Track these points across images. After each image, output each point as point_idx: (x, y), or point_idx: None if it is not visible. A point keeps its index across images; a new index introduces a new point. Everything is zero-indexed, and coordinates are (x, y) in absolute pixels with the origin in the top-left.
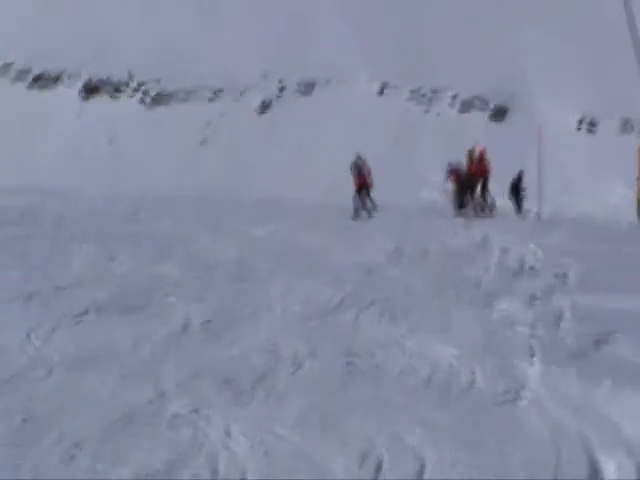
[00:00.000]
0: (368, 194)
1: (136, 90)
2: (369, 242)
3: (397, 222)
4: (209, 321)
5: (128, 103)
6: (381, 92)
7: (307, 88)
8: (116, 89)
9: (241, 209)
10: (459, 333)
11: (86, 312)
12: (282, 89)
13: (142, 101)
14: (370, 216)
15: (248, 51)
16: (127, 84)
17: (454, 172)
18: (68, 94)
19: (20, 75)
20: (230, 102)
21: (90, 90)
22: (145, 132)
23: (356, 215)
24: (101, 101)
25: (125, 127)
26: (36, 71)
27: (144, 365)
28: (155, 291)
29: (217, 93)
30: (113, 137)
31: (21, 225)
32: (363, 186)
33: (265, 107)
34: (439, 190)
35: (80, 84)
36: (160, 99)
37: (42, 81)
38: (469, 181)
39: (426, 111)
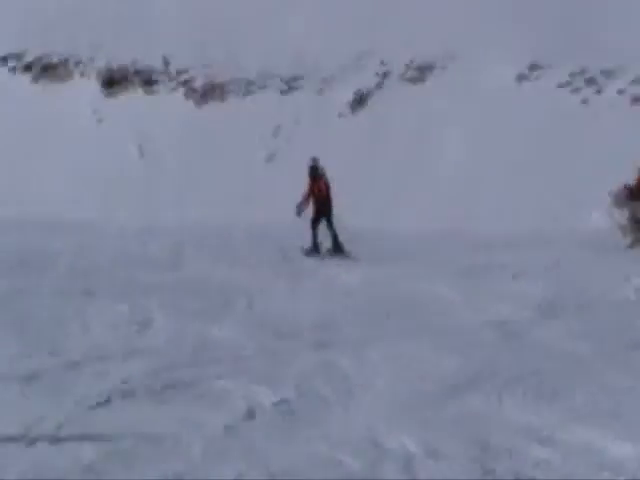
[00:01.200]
0: (329, 219)
1: (172, 80)
2: (506, 291)
3: (544, 261)
4: (282, 405)
5: (165, 100)
6: (521, 78)
7: (419, 74)
8: (146, 81)
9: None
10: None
11: (108, 399)
12: (384, 75)
13: (187, 96)
14: (335, 253)
15: (333, 26)
16: (165, 73)
17: (629, 190)
18: (83, 88)
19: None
20: (309, 96)
21: (111, 82)
22: (189, 140)
23: (313, 251)
24: (127, 97)
25: (162, 133)
26: (29, 58)
27: (192, 471)
28: (204, 366)
29: (290, 83)
30: (145, 147)
31: (19, 275)
32: (323, 208)
33: (360, 101)
34: (605, 214)
35: (96, 74)
36: (209, 94)
37: (49, 72)
38: None
39: (584, 102)
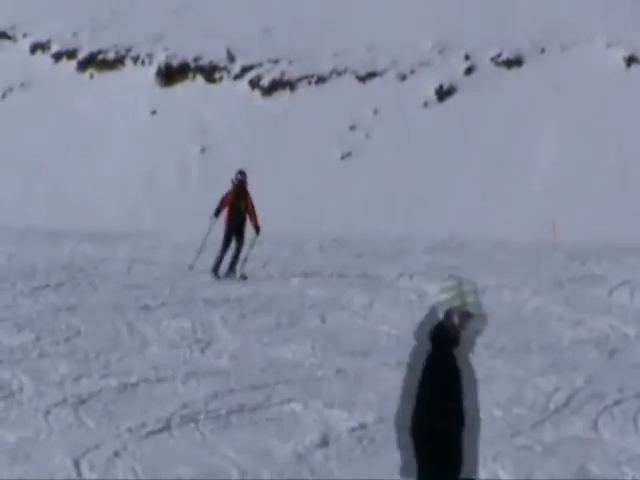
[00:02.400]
0: (241, 236)
1: (239, 77)
2: (606, 305)
3: None
4: (360, 431)
5: (230, 90)
6: (630, 62)
7: (508, 63)
8: (208, 75)
9: (407, 256)
10: None
11: (167, 425)
12: (471, 68)
13: (254, 87)
14: (230, 274)
15: (411, 14)
16: (225, 68)
17: None
18: (137, 80)
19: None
20: (388, 89)
21: (169, 74)
22: (257, 136)
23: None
24: (188, 88)
25: (225, 128)
26: (77, 48)
27: None
28: (273, 387)
29: (364, 79)
30: (207, 144)
31: (68, 290)
32: (238, 222)
33: (444, 94)
34: None
35: (154, 66)
36: (278, 86)
37: (95, 63)
38: None
39: None
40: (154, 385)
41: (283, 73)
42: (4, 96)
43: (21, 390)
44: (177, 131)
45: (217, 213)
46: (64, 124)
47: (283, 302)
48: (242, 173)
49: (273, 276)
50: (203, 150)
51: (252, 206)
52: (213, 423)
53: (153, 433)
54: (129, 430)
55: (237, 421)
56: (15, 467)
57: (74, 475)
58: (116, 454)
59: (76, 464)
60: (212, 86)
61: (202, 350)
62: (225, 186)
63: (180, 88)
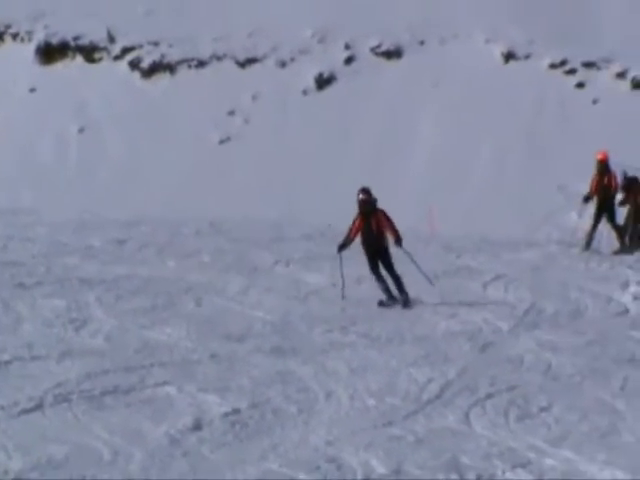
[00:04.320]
0: (386, 256)
1: (119, 58)
2: (480, 298)
3: (522, 265)
4: (233, 416)
5: (110, 71)
6: (508, 57)
7: (388, 54)
8: (88, 54)
9: (285, 242)
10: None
11: (40, 404)
12: (351, 57)
13: (134, 69)
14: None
15: (292, 1)
16: (106, 49)
17: (631, 187)
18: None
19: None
20: (267, 75)
21: (48, 52)
22: (136, 117)
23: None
24: (67, 67)
25: (105, 108)
26: None
27: (138, 475)
28: (148, 369)
29: (244, 64)
30: (85, 124)
31: None
32: (378, 247)
33: (324, 82)
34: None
35: (33, 43)
36: (158, 68)
37: None
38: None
39: (578, 86)
40: (27, 363)
41: (163, 56)
42: None
43: None
44: (56, 109)
45: (342, 248)
46: None
47: (159, 285)
48: (363, 191)
49: (149, 258)
50: (82, 129)
51: (387, 220)
52: (86, 403)
53: (25, 411)
54: (1, 408)
55: (111, 402)
56: None
57: None
58: None
59: None
60: (92, 66)
61: (77, 330)
62: (104, 166)
63: (60, 67)
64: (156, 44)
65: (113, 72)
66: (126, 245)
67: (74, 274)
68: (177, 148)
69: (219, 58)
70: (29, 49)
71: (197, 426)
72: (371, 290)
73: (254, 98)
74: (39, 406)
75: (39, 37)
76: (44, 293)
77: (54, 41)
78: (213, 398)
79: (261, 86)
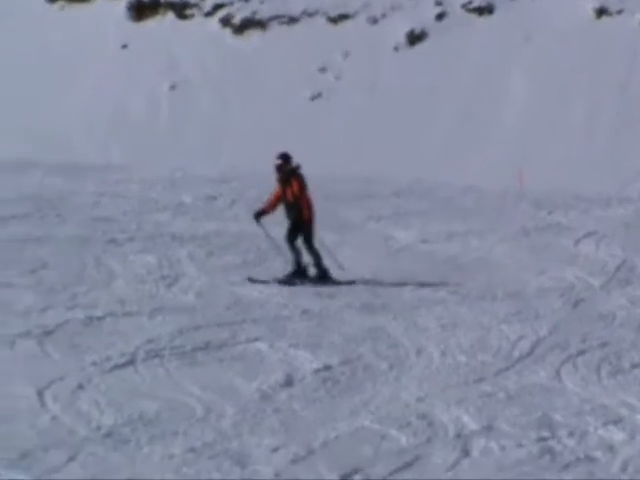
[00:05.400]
0: (307, 235)
1: (210, 14)
2: (571, 255)
3: (614, 223)
4: (324, 373)
5: (205, 27)
6: (600, 13)
7: (479, 10)
8: (180, 11)
9: (375, 199)
10: None
11: (132, 360)
12: (442, 14)
13: (225, 25)
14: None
15: None
16: (197, 5)
17: None
18: (108, 13)
19: None
20: (358, 32)
21: (139, 9)
22: (227, 74)
23: (296, 274)
24: (158, 23)
25: (195, 65)
26: None
27: (222, 442)
28: (239, 325)
29: (336, 20)
30: (177, 80)
31: (34, 221)
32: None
33: (415, 38)
34: None
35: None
36: (249, 25)
37: None
38: None
39: None
40: (120, 319)
41: (254, 12)
42: None
43: None
44: (147, 66)
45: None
46: (34, 55)
47: (250, 241)
48: (283, 155)
49: (240, 214)
50: (173, 86)
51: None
52: (178, 359)
53: (118, 367)
54: (94, 363)
55: (202, 358)
56: None
57: (37, 405)
58: (80, 386)
59: (40, 395)
60: (183, 23)
61: (168, 286)
62: (195, 123)
63: (151, 23)
64: (247, 0)
65: (204, 29)
66: (217, 201)
67: (165, 230)
68: (268, 104)
69: (310, 14)
70: (120, 6)
71: (288, 382)
72: (462, 247)
73: (345, 54)
74: (131, 362)
75: None
76: (135, 249)
77: None
78: (304, 354)
79: (352, 42)
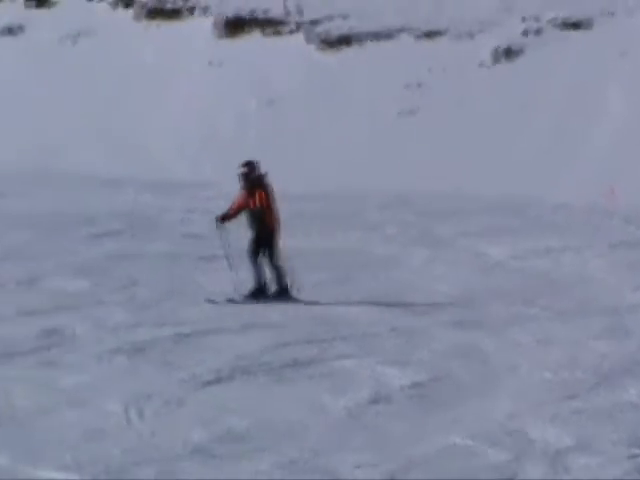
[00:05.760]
0: (271, 248)
1: (297, 31)
2: None
3: None
4: (413, 389)
5: (289, 43)
6: None
7: (575, 25)
8: (268, 28)
9: (465, 215)
10: None
11: (221, 376)
12: (536, 29)
13: (309, 41)
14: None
15: None
16: (284, 22)
17: None
18: (197, 31)
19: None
20: (446, 47)
21: (228, 26)
22: (315, 90)
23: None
24: (247, 40)
25: (284, 81)
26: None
27: (309, 458)
28: (328, 342)
29: (424, 37)
30: (266, 97)
31: (126, 238)
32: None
33: (506, 54)
34: None
35: (213, 17)
36: (338, 41)
37: (155, 12)
38: None
39: None
40: (209, 336)
41: (345, 29)
42: (68, 42)
43: (79, 336)
44: (236, 83)
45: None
46: (124, 73)
47: (341, 257)
48: (248, 164)
49: (331, 231)
50: (262, 102)
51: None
52: (267, 376)
53: (207, 384)
54: (183, 380)
55: (291, 375)
56: (71, 411)
57: (128, 421)
58: (169, 403)
59: (129, 411)
60: (272, 39)
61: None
62: (284, 139)
63: (240, 40)
64: (337, 17)
65: (293, 45)
66: (305, 217)
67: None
68: (356, 121)
69: (398, 30)
70: (208, 23)
71: (377, 399)
72: (554, 263)
73: (433, 71)
74: (220, 378)
75: (220, 11)
76: (225, 266)
77: (235, 15)
78: (393, 371)
79: (440, 58)
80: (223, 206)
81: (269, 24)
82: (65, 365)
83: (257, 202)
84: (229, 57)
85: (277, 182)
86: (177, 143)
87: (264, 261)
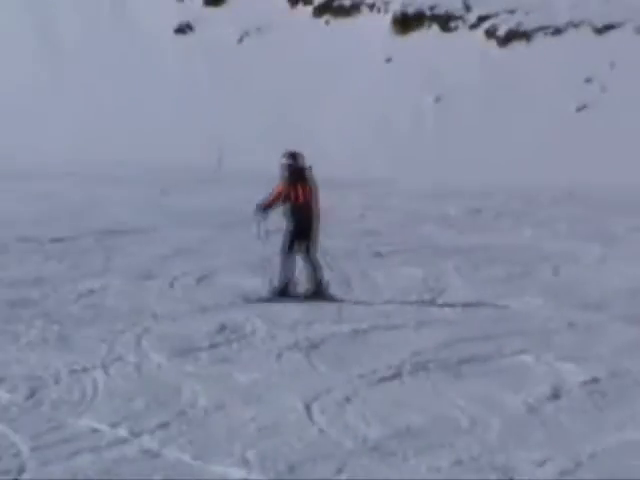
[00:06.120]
0: (308, 244)
1: (474, 26)
2: None
3: None
4: (591, 385)
5: (469, 39)
6: None
7: None
8: (444, 24)
9: None
10: None
11: (398, 372)
12: None
13: (490, 37)
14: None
15: None
16: (461, 18)
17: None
18: (372, 28)
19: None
20: (625, 42)
21: (404, 22)
22: (491, 86)
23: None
24: (422, 36)
25: (460, 77)
26: None
27: (489, 454)
28: (504, 339)
29: (601, 31)
30: (441, 93)
31: None
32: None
33: None
34: None
35: (390, 14)
36: (514, 36)
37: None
38: None
39: None
40: (385, 332)
41: (519, 24)
42: (240, 40)
43: (254, 333)
44: (411, 79)
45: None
46: (299, 69)
47: (515, 253)
48: (292, 155)
49: (505, 227)
50: (437, 99)
51: (298, 198)
52: (443, 372)
53: (384, 380)
54: (360, 376)
55: (468, 371)
56: (248, 407)
57: (304, 418)
58: (347, 399)
59: (307, 407)
60: (447, 35)
61: (433, 299)
62: (458, 135)
63: (415, 36)
64: (512, 12)
65: (469, 41)
66: (481, 214)
67: (430, 243)
68: (533, 116)
69: (575, 25)
70: (385, 19)
71: (555, 395)
72: None
73: (611, 65)
74: (397, 374)
75: (395, 7)
76: (401, 262)
77: (410, 11)
78: (571, 367)
79: (618, 53)
80: (398, 202)
81: (445, 20)
82: (241, 361)
83: (301, 197)
84: (405, 53)
85: (450, 178)
86: (350, 139)
87: (300, 256)
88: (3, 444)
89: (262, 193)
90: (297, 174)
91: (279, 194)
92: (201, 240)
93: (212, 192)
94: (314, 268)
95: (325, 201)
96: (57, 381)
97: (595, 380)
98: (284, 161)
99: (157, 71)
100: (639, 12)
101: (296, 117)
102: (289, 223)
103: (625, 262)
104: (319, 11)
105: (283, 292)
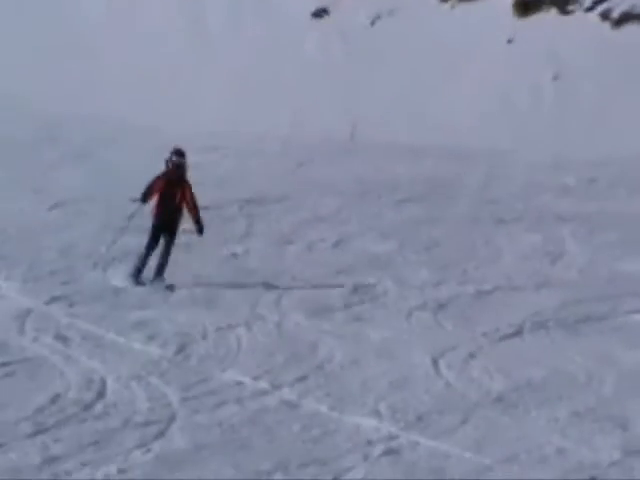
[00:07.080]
0: (172, 234)
1: (590, 9)
2: None
3: None
4: None
5: (585, 21)
6: None
7: None
8: (562, 6)
9: None
10: None
11: (519, 330)
12: None
13: (605, 19)
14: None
15: None
16: (578, 1)
17: None
18: (495, 10)
19: None
20: None
21: (524, 4)
22: (606, 68)
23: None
24: (542, 19)
25: (576, 58)
26: None
27: (603, 406)
28: (618, 299)
29: None
30: (559, 72)
31: (431, 202)
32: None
33: None
34: None
35: None
36: (629, 18)
37: None
38: None
39: None
40: (507, 293)
41: (634, 6)
42: (373, 23)
43: (386, 294)
44: (531, 59)
45: (144, 199)
46: (426, 50)
47: (629, 220)
48: (180, 154)
49: (619, 195)
50: (555, 77)
51: (192, 198)
52: (562, 330)
53: (506, 337)
54: (484, 334)
55: (584, 329)
56: (380, 363)
57: (432, 372)
58: (471, 355)
59: (435, 362)
60: (565, 17)
61: (552, 262)
62: (573, 111)
63: (535, 18)
64: None
65: (585, 23)
66: (597, 183)
67: (549, 210)
68: None
69: None
70: (507, 2)
71: None
72: None
73: None
74: (518, 332)
75: None
76: (522, 228)
77: None
78: None
79: None
80: (520, 172)
81: (566, 2)
82: (374, 320)
83: (182, 198)
84: (526, 35)
85: (568, 150)
86: (475, 114)
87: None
88: (155, 395)
89: (391, 163)
90: (182, 172)
91: (160, 192)
92: (336, 208)
93: (346, 163)
94: (166, 261)
95: (451, 170)
96: (204, 337)
97: None
98: (174, 159)
99: (296, 52)
100: None
101: (424, 93)
102: (159, 216)
103: None
104: None
105: (133, 277)
